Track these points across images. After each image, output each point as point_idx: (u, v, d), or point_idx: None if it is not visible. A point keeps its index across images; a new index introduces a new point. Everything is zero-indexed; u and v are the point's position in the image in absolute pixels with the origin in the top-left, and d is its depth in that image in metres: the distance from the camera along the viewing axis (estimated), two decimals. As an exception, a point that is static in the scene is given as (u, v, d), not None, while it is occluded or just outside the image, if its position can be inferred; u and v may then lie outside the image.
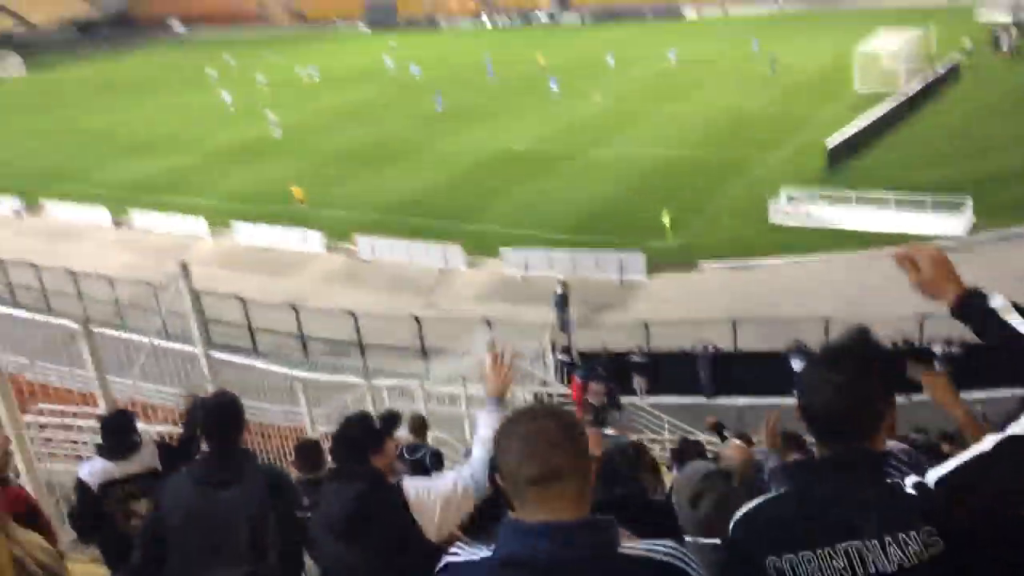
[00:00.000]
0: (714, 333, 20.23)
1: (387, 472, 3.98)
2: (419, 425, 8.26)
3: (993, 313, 2.21)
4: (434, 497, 3.55)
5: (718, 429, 9.51)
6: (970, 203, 25.55)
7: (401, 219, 31.66)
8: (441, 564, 2.15)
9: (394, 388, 14.03)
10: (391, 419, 4.15)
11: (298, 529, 3.95)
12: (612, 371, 19.85)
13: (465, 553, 2.10)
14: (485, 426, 3.60)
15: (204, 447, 4.23)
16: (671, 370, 20.33)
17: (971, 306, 2.27)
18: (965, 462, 2.04)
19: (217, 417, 4.13)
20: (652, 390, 20.03)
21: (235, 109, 53.15)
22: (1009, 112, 34.56)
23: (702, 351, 19.91)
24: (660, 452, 13.42)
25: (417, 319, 23.04)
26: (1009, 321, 2.18)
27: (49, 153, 48.16)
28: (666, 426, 16.90)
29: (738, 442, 6.02)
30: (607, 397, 18.06)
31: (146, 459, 5.75)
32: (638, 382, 20.27)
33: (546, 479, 1.95)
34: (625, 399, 19.13)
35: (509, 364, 3.66)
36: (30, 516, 5.59)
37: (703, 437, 12.39)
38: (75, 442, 8.62)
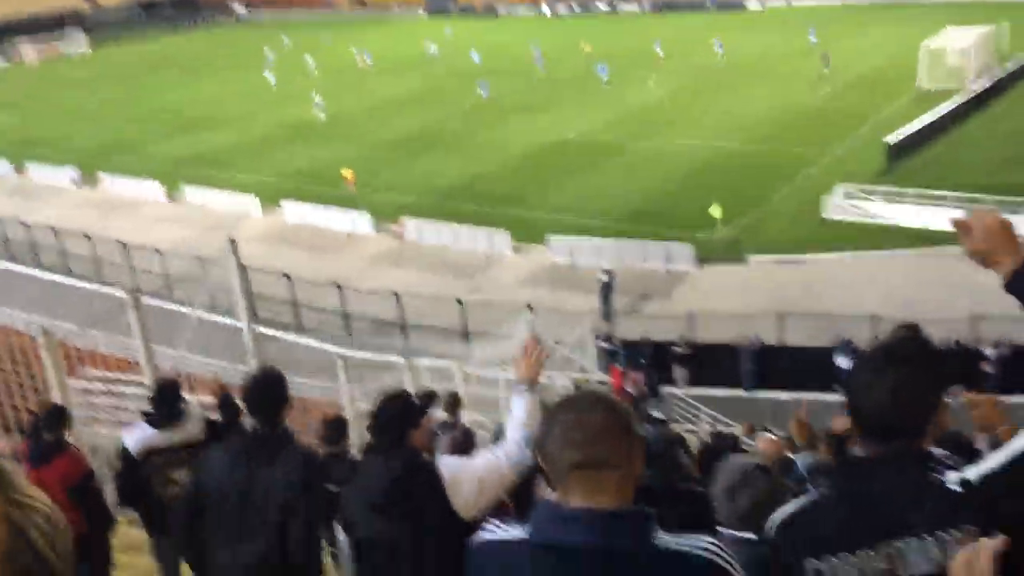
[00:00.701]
0: (760, 327, 19.97)
1: (423, 450, 3.99)
2: (453, 403, 8.28)
3: None
4: (467, 476, 3.58)
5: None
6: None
7: (449, 204, 31.77)
8: (475, 540, 2.14)
9: (434, 369, 14.09)
10: (428, 398, 4.15)
11: (325, 513, 3.98)
12: (654, 361, 19.79)
13: (499, 532, 2.09)
14: (519, 409, 3.64)
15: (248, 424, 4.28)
16: (713, 362, 20.15)
17: None
18: (1011, 459, 1.96)
19: (261, 395, 4.18)
20: (693, 381, 19.87)
21: (276, 89, 53.82)
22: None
23: (745, 344, 19.68)
24: (697, 443, 13.27)
25: (460, 302, 23.14)
26: None
27: (107, 127, 49.31)
28: (704, 418, 16.76)
29: (770, 436, 5.91)
30: (647, 386, 18.03)
31: (190, 430, 5.85)
32: (679, 373, 20.13)
33: (589, 466, 1.92)
34: (665, 389, 19.04)
35: (543, 353, 3.75)
36: (84, 483, 5.74)
37: (739, 431, 12.23)
38: (120, 408, 8.81)
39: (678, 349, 20.23)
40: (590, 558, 1.88)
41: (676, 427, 15.13)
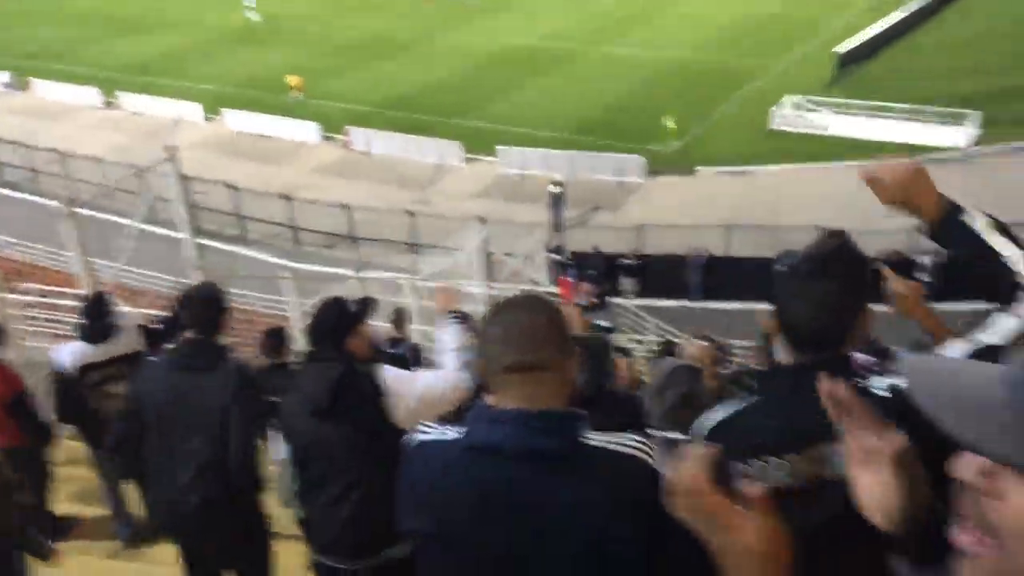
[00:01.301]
0: (708, 238, 20.20)
1: (362, 357, 3.99)
2: (400, 318, 8.24)
3: (972, 233, 2.04)
4: (408, 390, 3.60)
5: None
6: (975, 116, 25.15)
7: (398, 113, 31.09)
8: (410, 442, 2.13)
9: (383, 281, 14.02)
10: (366, 304, 4.13)
11: (262, 420, 4.03)
12: (603, 272, 19.97)
13: (434, 432, 2.08)
14: (448, 337, 3.75)
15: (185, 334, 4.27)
16: (661, 273, 20.39)
17: (949, 224, 2.08)
18: None
19: (200, 307, 4.17)
20: (641, 292, 20.13)
21: None
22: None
23: (693, 255, 19.92)
24: (645, 353, 13.55)
25: (410, 214, 22.91)
26: (989, 242, 2.05)
27: (37, 31, 46.74)
28: (651, 328, 17.06)
29: (702, 342, 6.00)
30: (596, 297, 18.25)
31: (126, 343, 5.75)
32: (627, 284, 20.36)
33: (524, 368, 1.91)
34: (614, 300, 19.30)
35: (450, 288, 4.06)
36: (17, 400, 5.62)
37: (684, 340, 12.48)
38: (58, 322, 8.62)
39: (627, 260, 20.40)
40: (518, 457, 1.89)
41: (624, 336, 15.41)
